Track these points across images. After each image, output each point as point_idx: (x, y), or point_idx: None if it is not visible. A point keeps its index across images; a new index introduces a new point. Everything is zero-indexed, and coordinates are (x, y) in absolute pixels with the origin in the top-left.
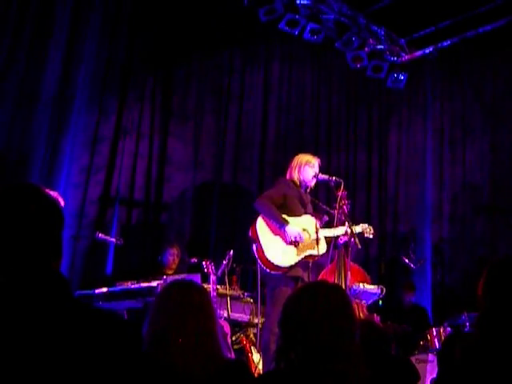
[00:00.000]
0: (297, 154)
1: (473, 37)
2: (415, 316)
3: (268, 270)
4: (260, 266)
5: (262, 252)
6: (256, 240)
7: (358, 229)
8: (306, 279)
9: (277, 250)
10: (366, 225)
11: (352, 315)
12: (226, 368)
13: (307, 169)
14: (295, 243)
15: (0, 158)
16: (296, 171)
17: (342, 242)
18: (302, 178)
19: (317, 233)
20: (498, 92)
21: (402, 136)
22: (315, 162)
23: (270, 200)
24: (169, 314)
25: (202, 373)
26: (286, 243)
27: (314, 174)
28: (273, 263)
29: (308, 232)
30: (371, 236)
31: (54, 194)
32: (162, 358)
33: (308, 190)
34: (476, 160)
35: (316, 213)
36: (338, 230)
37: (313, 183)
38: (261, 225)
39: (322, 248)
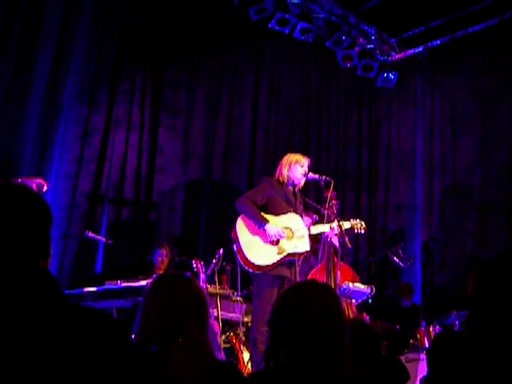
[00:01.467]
0: (286, 153)
1: (463, 36)
2: (409, 315)
3: (251, 271)
4: (241, 265)
5: (242, 252)
6: (236, 240)
7: (346, 225)
8: (291, 278)
9: (256, 249)
10: (357, 220)
11: (341, 314)
12: (216, 369)
13: (297, 167)
14: (276, 242)
15: None
16: (286, 169)
17: (326, 236)
18: (291, 176)
19: (309, 229)
20: (489, 91)
21: (392, 135)
22: (305, 161)
23: (251, 200)
24: (157, 311)
25: (192, 374)
26: (265, 242)
27: (303, 172)
28: (253, 263)
29: (291, 230)
30: (363, 231)
31: (38, 180)
32: (151, 358)
33: (297, 189)
34: (466, 158)
35: (307, 212)
36: (326, 226)
37: (302, 182)
38: (240, 225)
39: (306, 245)
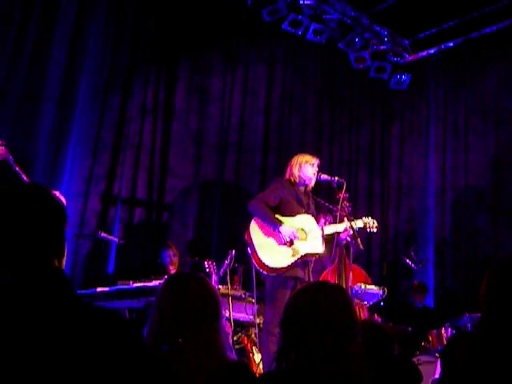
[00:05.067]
0: (296, 154)
1: (477, 38)
2: (422, 317)
3: (265, 273)
4: (256, 268)
5: (256, 255)
6: (250, 243)
7: (359, 223)
8: (305, 279)
9: (271, 251)
10: (369, 218)
11: (354, 315)
12: (228, 369)
13: (307, 167)
14: (290, 243)
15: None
16: (296, 169)
17: (343, 238)
18: (302, 176)
19: (322, 230)
20: (502, 93)
21: (405, 136)
22: (315, 161)
23: (264, 201)
24: (169, 311)
25: (204, 373)
26: (280, 244)
27: (314, 172)
28: (267, 266)
29: (305, 231)
30: (375, 230)
31: (56, 193)
32: (163, 358)
33: (308, 189)
34: (479, 162)
35: (322, 212)
36: (339, 226)
37: (313, 182)
38: (254, 227)
39: (320, 246)
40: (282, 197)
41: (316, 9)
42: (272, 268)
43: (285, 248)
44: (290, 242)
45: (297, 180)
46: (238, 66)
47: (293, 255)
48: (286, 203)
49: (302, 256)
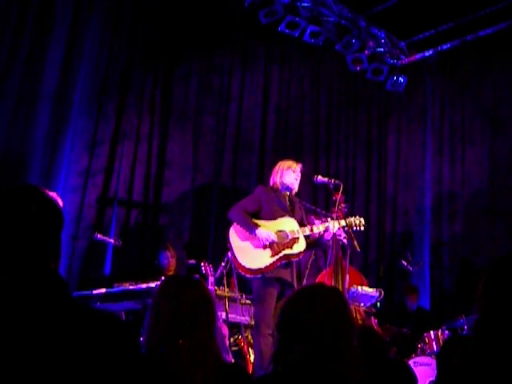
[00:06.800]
0: (280, 160)
1: (473, 40)
2: (417, 319)
3: (248, 276)
4: (237, 272)
5: (236, 259)
6: (230, 248)
7: (342, 222)
8: (289, 279)
9: (249, 254)
10: (356, 217)
11: (350, 317)
12: (224, 371)
13: (289, 172)
14: (269, 245)
15: (0, 158)
16: (278, 176)
17: (327, 239)
18: (284, 181)
19: (311, 229)
20: (498, 95)
21: (401, 139)
22: (297, 166)
23: (242, 208)
24: (165, 313)
25: (200, 375)
26: (258, 246)
27: (295, 177)
28: (246, 267)
29: (285, 232)
30: (362, 228)
31: (53, 194)
32: (160, 359)
33: (293, 193)
34: (475, 163)
35: (316, 216)
36: (320, 226)
37: (296, 187)
38: (232, 234)
39: (300, 246)
40: (262, 203)
41: (313, 11)
42: (251, 269)
43: (263, 250)
44: (268, 244)
45: (279, 187)
46: (234, 70)
47: (271, 256)
48: (266, 209)
49: (281, 257)
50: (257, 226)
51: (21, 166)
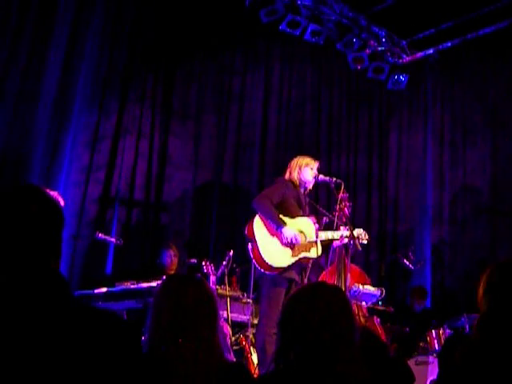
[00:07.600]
0: (296, 156)
1: (474, 38)
2: (420, 318)
3: (262, 271)
4: (255, 265)
5: (258, 252)
6: (252, 239)
7: (354, 232)
8: (299, 281)
9: (273, 250)
10: (361, 230)
11: (351, 316)
12: (225, 370)
13: (307, 170)
14: (291, 245)
15: (0, 156)
16: (296, 172)
17: (336, 245)
18: (302, 178)
19: (316, 236)
20: (499, 94)
21: (403, 138)
22: (315, 164)
23: (269, 199)
24: (167, 312)
25: (202, 374)
26: (281, 244)
27: (313, 175)
28: (268, 264)
29: (304, 234)
30: (365, 242)
31: (54, 193)
32: (162, 359)
33: (306, 192)
34: (476, 162)
35: (315, 215)
36: (336, 233)
37: (311, 185)
38: (258, 224)
39: (318, 251)
40: (284, 196)
41: (314, 9)
42: (271, 266)
43: (285, 248)
44: (290, 244)
45: (297, 182)
46: (235, 69)
47: (292, 256)
48: (286, 203)
49: (300, 258)
50: (284, 223)
51: (22, 164)
